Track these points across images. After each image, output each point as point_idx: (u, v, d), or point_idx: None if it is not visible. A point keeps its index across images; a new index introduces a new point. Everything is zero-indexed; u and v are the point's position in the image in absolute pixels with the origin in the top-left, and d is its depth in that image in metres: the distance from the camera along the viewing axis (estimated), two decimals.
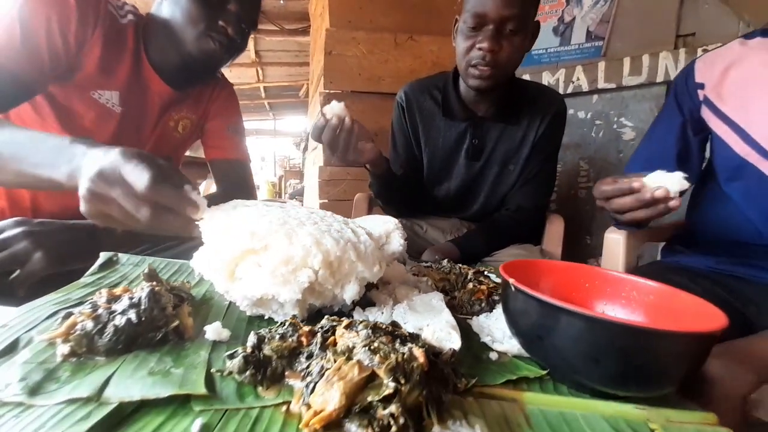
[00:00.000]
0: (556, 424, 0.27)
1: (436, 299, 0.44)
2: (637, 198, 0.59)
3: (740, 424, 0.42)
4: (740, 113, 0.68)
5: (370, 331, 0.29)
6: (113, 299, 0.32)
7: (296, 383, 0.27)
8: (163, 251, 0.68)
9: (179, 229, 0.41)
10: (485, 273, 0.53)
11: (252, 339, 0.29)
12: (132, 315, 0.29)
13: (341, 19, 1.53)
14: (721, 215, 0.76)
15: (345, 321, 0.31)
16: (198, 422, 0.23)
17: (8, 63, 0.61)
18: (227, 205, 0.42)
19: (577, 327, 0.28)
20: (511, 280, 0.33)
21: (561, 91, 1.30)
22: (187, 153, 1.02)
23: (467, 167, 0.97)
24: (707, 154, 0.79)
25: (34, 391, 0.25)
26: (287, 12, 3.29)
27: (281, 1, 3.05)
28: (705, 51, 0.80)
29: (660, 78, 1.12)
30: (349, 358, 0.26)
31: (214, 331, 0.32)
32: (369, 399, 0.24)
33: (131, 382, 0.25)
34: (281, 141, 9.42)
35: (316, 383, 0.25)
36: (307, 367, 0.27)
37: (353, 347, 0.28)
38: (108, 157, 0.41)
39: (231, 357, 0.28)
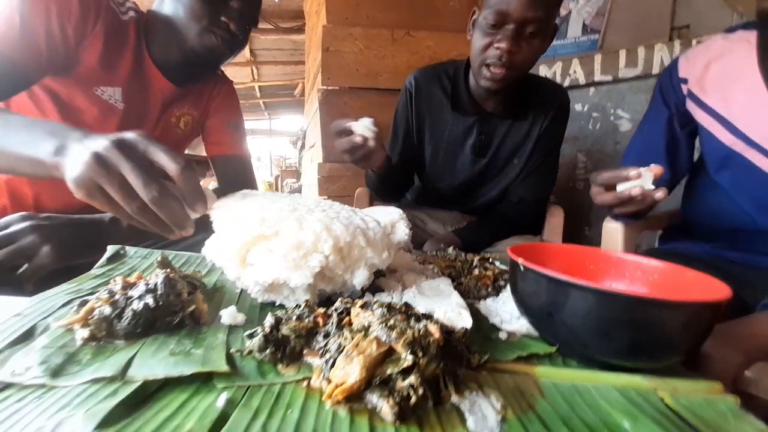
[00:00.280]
0: (569, 394, 0.28)
1: (444, 284, 0.45)
2: (615, 196, 0.61)
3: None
4: (724, 105, 0.70)
5: (385, 310, 0.29)
6: (128, 286, 0.32)
7: (315, 361, 0.28)
8: (170, 245, 0.68)
9: (174, 222, 0.38)
10: (490, 259, 0.54)
11: (270, 320, 0.29)
12: (149, 300, 0.30)
13: (338, 15, 1.53)
14: (714, 204, 0.78)
15: (360, 301, 0.31)
16: (223, 397, 0.23)
17: (8, 51, 0.61)
18: (236, 194, 0.43)
19: (588, 301, 0.28)
20: (520, 260, 0.34)
21: None
22: (186, 151, 1.02)
23: (472, 163, 0.96)
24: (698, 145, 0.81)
25: (56, 373, 0.25)
26: (282, 10, 3.28)
27: (276, 0, 3.04)
28: (699, 43, 0.81)
29: (656, 70, 1.13)
30: (366, 336, 0.27)
31: (229, 315, 0.33)
32: (388, 372, 0.25)
33: (154, 362, 0.26)
34: (277, 141, 9.39)
35: (335, 359, 0.26)
36: (325, 345, 0.28)
37: (369, 325, 0.28)
38: (128, 134, 0.39)
39: (250, 336, 0.28)
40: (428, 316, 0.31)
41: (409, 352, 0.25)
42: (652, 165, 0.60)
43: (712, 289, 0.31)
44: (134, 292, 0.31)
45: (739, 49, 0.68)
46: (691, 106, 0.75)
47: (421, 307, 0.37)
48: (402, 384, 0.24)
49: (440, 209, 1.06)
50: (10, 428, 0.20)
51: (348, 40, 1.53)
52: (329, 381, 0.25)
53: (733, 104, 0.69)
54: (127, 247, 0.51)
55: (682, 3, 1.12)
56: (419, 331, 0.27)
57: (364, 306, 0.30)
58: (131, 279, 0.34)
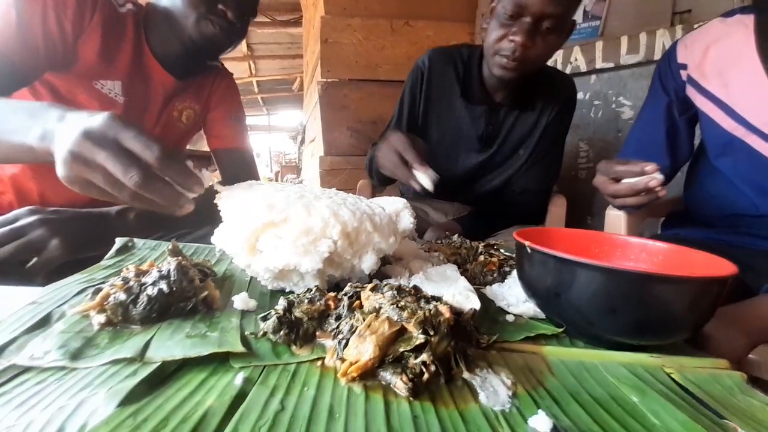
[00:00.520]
0: (577, 371, 0.28)
1: (451, 270, 0.45)
2: (630, 186, 0.61)
3: None
4: (724, 90, 0.70)
5: (395, 292, 0.30)
6: (142, 273, 0.33)
7: (327, 342, 0.28)
8: (177, 239, 0.69)
9: (167, 204, 0.38)
10: (495, 246, 0.55)
11: (282, 302, 0.30)
12: (163, 285, 0.30)
13: (336, 6, 1.52)
14: (716, 190, 0.78)
15: (370, 284, 0.32)
16: (240, 375, 0.24)
17: (5, 49, 0.60)
18: (243, 184, 0.43)
19: (595, 280, 0.29)
20: (527, 243, 0.34)
21: None
22: (187, 146, 1.02)
23: (478, 153, 0.95)
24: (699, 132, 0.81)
25: (75, 356, 0.25)
26: (278, 2, 3.25)
27: None
28: (696, 29, 0.80)
29: (657, 56, 1.12)
30: (378, 316, 0.27)
31: (241, 300, 0.33)
32: (401, 350, 0.25)
33: (171, 344, 0.26)
34: (276, 136, 9.35)
35: (348, 339, 0.26)
36: (337, 327, 0.29)
37: (380, 307, 0.29)
38: (96, 119, 0.37)
39: (264, 319, 0.29)
40: (437, 298, 0.32)
41: (420, 331, 0.26)
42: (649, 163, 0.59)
43: (716, 266, 0.31)
44: (148, 279, 0.31)
45: (737, 33, 0.68)
46: (690, 91, 0.74)
47: (429, 292, 0.38)
48: (414, 362, 0.25)
49: (442, 200, 1.06)
50: (31, 408, 0.21)
51: (347, 31, 1.52)
52: (343, 360, 0.25)
53: (732, 89, 0.69)
54: (136, 240, 0.51)
55: None
56: (430, 311, 0.27)
57: (374, 289, 0.31)
58: (144, 267, 0.34)
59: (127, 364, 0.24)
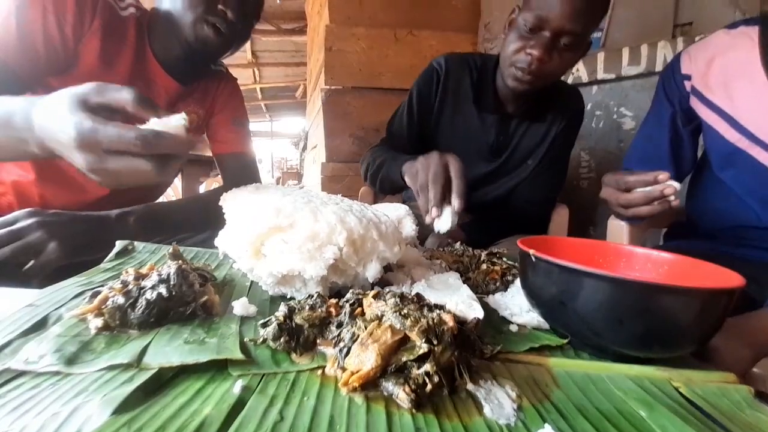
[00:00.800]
0: (583, 384, 0.27)
1: (453, 278, 0.45)
2: (645, 195, 0.60)
3: None
4: (728, 101, 0.70)
5: (398, 300, 0.29)
6: (141, 277, 0.32)
7: (328, 350, 0.28)
8: (177, 243, 0.69)
9: (174, 149, 0.38)
10: (498, 254, 0.54)
11: (283, 309, 0.29)
12: (162, 290, 0.30)
13: (341, 15, 1.54)
14: (719, 202, 0.78)
15: (372, 291, 0.31)
16: (239, 383, 0.23)
17: (5, 57, 0.60)
18: (249, 187, 0.43)
19: (602, 290, 0.28)
20: (532, 251, 0.33)
21: None
22: (189, 151, 1.02)
23: (487, 162, 0.95)
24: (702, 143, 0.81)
25: (71, 361, 0.25)
26: (283, 12, 3.29)
27: (278, 1, 3.05)
28: (699, 41, 0.81)
29: (659, 67, 1.13)
30: (380, 324, 0.27)
31: (241, 306, 0.33)
32: (403, 359, 0.25)
33: (169, 350, 0.26)
34: (278, 142, 9.40)
35: (349, 348, 0.26)
36: (338, 334, 0.28)
37: (382, 315, 0.28)
38: (77, 89, 0.39)
39: (264, 326, 0.28)
40: (440, 307, 0.31)
41: (423, 340, 0.25)
42: (660, 173, 0.59)
43: (723, 278, 0.31)
44: (147, 283, 0.31)
45: (741, 45, 0.68)
46: (694, 102, 0.74)
47: (431, 300, 0.37)
48: (417, 372, 0.24)
49: None
50: (24, 414, 0.20)
51: (351, 40, 1.53)
52: (344, 369, 0.25)
53: (737, 101, 0.69)
54: (136, 243, 0.51)
55: (685, 0, 1.13)
56: (433, 319, 0.27)
57: (376, 296, 0.30)
58: (144, 270, 0.34)
59: (124, 370, 0.24)
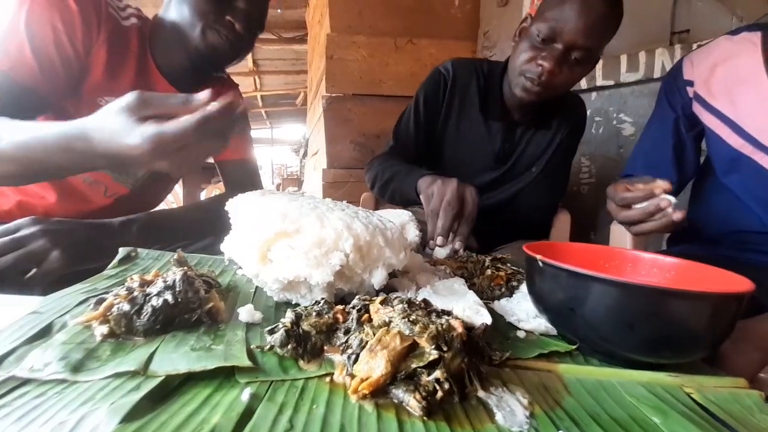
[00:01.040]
0: (595, 391, 0.27)
1: (458, 284, 0.44)
2: (643, 211, 0.58)
3: None
4: (731, 107, 0.70)
5: (405, 306, 0.29)
6: (146, 283, 0.32)
7: (336, 357, 0.27)
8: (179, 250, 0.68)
9: (228, 114, 0.43)
10: (502, 259, 0.54)
11: (290, 315, 0.29)
12: (168, 296, 0.30)
13: (341, 24, 1.55)
14: (723, 207, 0.78)
15: (379, 297, 0.31)
16: (247, 391, 0.23)
17: (21, 78, 0.60)
18: (255, 192, 0.43)
19: (611, 294, 0.28)
20: (539, 257, 0.33)
21: None
22: None
23: (492, 169, 0.94)
24: (704, 149, 0.81)
25: (76, 369, 0.25)
26: (284, 21, 3.33)
27: (278, 11, 3.09)
28: (700, 47, 0.82)
29: (657, 74, 1.14)
30: (388, 331, 0.27)
31: (247, 313, 0.32)
32: (413, 366, 0.24)
33: (175, 357, 0.26)
34: (278, 149, 9.44)
35: (357, 354, 0.26)
36: (346, 341, 0.28)
37: (390, 321, 0.28)
38: (121, 103, 0.42)
39: (271, 332, 0.28)
40: (448, 312, 0.31)
41: (433, 346, 0.25)
42: (659, 180, 0.57)
43: (732, 282, 0.30)
44: (153, 289, 0.30)
45: (744, 51, 0.69)
46: (697, 108, 0.75)
47: (438, 306, 0.37)
48: (427, 379, 0.24)
49: None
50: (30, 423, 0.20)
51: (351, 48, 1.55)
52: (352, 376, 0.25)
53: (740, 106, 0.69)
54: (139, 249, 0.51)
55: (682, 8, 1.14)
56: (442, 325, 0.27)
57: (384, 302, 0.30)
58: (148, 277, 0.34)
59: (130, 377, 0.24)
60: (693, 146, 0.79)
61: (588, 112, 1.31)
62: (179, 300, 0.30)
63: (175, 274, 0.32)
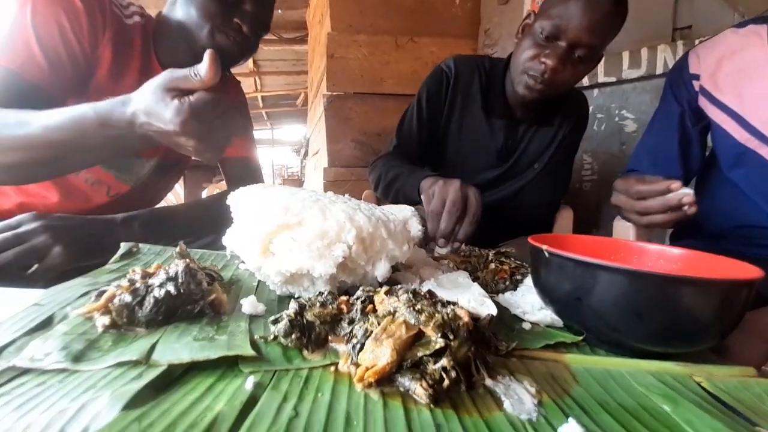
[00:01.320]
0: (603, 380, 0.27)
1: (462, 277, 0.44)
2: (662, 203, 0.58)
3: None
4: (737, 101, 0.70)
5: (410, 296, 0.29)
6: (148, 275, 0.32)
7: (340, 347, 0.27)
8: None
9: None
10: (506, 253, 0.54)
11: (293, 305, 0.29)
12: (171, 287, 0.29)
13: (342, 22, 1.55)
14: (727, 201, 0.77)
15: (384, 288, 0.31)
16: (251, 380, 0.22)
17: (29, 75, 0.60)
18: (256, 186, 0.42)
19: (620, 283, 0.28)
20: (545, 247, 0.33)
21: None
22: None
23: (494, 167, 0.94)
24: (709, 143, 0.81)
25: (77, 358, 0.24)
26: (285, 21, 3.34)
27: (279, 11, 3.10)
28: (705, 40, 0.81)
29: (659, 70, 1.13)
30: (394, 320, 0.26)
31: (250, 304, 0.32)
32: (419, 354, 0.24)
33: (178, 347, 0.25)
34: (279, 150, 9.45)
35: (363, 344, 0.25)
36: (351, 331, 0.27)
37: (395, 311, 0.28)
38: (157, 81, 0.45)
39: (275, 322, 0.28)
40: (453, 303, 0.31)
41: (439, 335, 0.25)
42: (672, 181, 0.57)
43: (741, 270, 0.30)
44: (155, 281, 0.30)
45: (751, 44, 0.68)
46: (703, 102, 0.74)
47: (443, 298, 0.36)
48: (434, 367, 0.23)
49: None
50: (30, 411, 0.20)
51: (352, 47, 1.55)
52: (357, 366, 0.24)
53: (746, 100, 0.68)
54: (141, 245, 0.50)
55: (684, 4, 1.14)
56: (448, 314, 0.26)
57: (388, 292, 0.30)
58: (150, 270, 0.33)
59: (132, 366, 0.23)
60: (698, 141, 0.79)
61: (590, 109, 1.31)
62: (182, 291, 0.30)
63: (177, 266, 0.32)
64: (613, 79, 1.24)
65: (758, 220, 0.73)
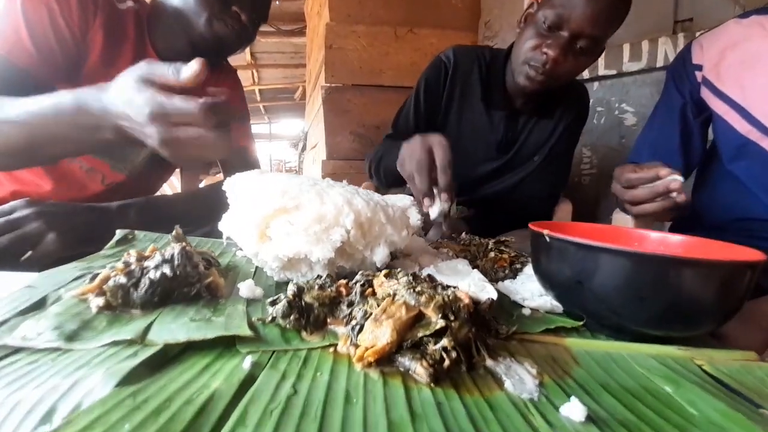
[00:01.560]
0: (604, 362, 0.27)
1: (462, 264, 0.44)
2: (650, 190, 0.58)
3: None
4: (740, 92, 0.69)
5: (410, 278, 0.28)
6: (144, 258, 0.31)
7: (339, 329, 0.27)
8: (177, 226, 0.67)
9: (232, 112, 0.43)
10: (506, 242, 0.53)
11: (292, 287, 0.28)
12: (166, 269, 0.29)
13: (341, 13, 1.53)
14: (728, 194, 0.77)
15: (384, 271, 0.30)
16: (248, 359, 0.22)
17: (17, 60, 0.59)
18: (253, 171, 0.42)
19: (621, 265, 0.27)
20: (545, 231, 0.33)
21: None
22: None
23: (494, 159, 0.93)
24: (710, 135, 0.81)
25: (71, 338, 0.24)
26: (282, 13, 3.30)
27: (276, 2, 3.06)
28: (709, 30, 0.80)
29: (660, 63, 1.13)
30: (393, 301, 0.26)
31: (247, 288, 0.31)
32: (419, 335, 0.24)
33: (174, 327, 0.25)
34: (277, 144, 9.39)
35: (362, 325, 0.25)
36: (350, 313, 0.27)
37: (395, 293, 0.27)
38: (138, 70, 0.41)
39: (273, 304, 0.27)
40: (453, 286, 0.30)
41: (440, 315, 0.24)
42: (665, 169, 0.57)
43: (742, 253, 0.30)
44: (150, 263, 0.30)
45: (754, 35, 0.68)
46: (705, 93, 0.74)
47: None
48: (434, 347, 0.23)
49: None
50: (22, 387, 0.19)
51: (351, 38, 1.53)
52: (357, 346, 0.24)
53: (749, 91, 0.68)
54: (136, 231, 0.50)
55: None
56: (448, 296, 0.26)
57: (388, 275, 0.29)
58: (146, 252, 0.33)
59: (127, 346, 0.23)
60: (700, 133, 0.78)
61: (590, 102, 1.30)
62: (178, 273, 0.29)
63: (173, 249, 0.31)
64: (614, 72, 1.23)
65: (759, 212, 0.73)
